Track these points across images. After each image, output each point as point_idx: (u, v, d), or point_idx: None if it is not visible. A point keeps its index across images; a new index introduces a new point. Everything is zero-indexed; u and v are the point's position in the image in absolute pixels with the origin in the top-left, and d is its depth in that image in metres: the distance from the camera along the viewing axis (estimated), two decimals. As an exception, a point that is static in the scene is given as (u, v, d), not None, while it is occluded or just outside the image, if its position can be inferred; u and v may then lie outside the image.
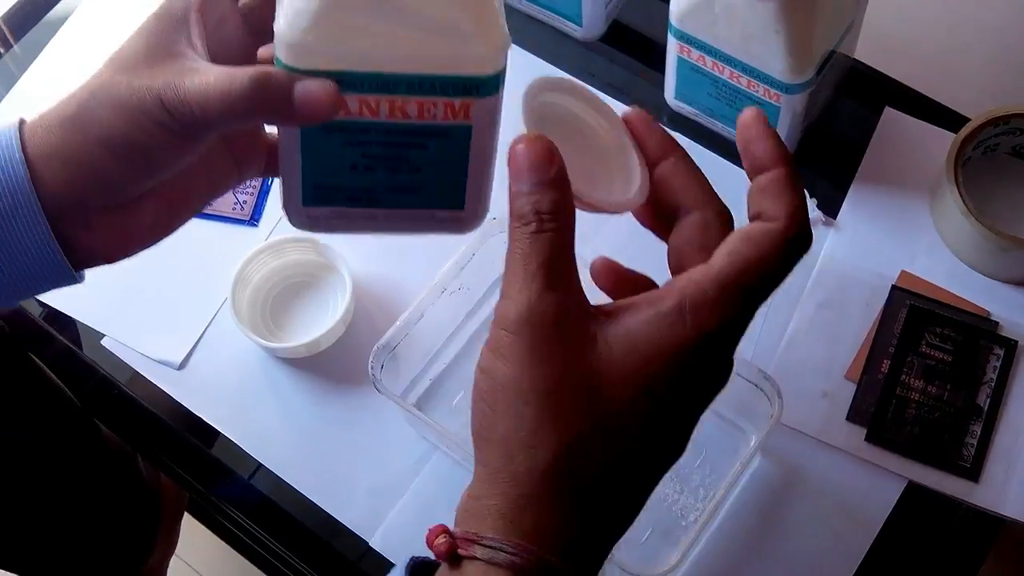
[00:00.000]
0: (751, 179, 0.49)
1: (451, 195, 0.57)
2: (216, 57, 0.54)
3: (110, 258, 0.56)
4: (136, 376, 0.84)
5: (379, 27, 0.49)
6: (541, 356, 0.45)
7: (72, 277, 0.55)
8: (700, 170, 0.51)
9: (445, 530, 0.46)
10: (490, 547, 0.44)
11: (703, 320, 0.45)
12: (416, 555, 0.49)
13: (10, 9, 1.01)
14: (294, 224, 0.58)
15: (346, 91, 0.50)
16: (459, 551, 0.45)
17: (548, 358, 0.45)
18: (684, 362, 0.46)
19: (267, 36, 0.52)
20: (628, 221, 0.54)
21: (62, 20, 0.99)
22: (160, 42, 0.53)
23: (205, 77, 0.51)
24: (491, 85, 0.52)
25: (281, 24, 0.49)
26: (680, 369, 0.46)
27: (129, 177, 0.53)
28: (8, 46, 0.99)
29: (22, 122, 0.53)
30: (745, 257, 0.46)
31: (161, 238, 0.58)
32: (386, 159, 0.55)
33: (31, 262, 0.53)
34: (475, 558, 0.45)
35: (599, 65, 0.95)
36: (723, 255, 0.46)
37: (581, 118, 0.54)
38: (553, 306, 0.45)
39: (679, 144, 0.52)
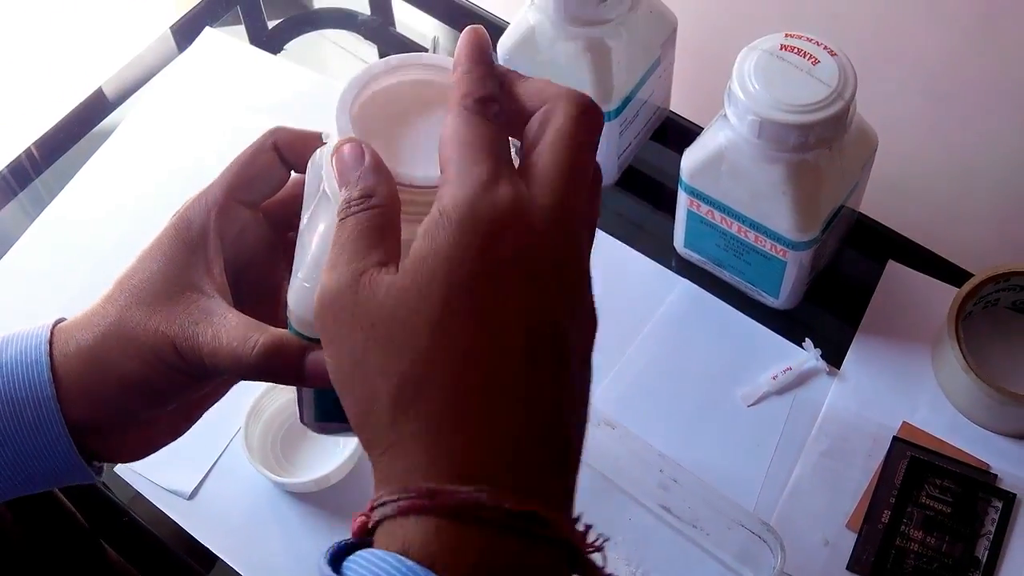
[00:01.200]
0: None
1: None
2: (237, 260, 0.58)
3: (130, 459, 0.61)
4: (146, 503, 0.87)
5: None
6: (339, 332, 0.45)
7: (92, 477, 0.59)
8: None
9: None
10: (382, 504, 0.42)
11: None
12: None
13: (43, 135, 1.07)
14: (312, 430, 0.60)
15: None
16: (367, 522, 0.43)
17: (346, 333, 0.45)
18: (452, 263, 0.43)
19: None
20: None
21: (95, 147, 1.05)
22: (176, 272, 0.56)
23: (218, 332, 0.53)
24: None
25: (291, 297, 0.53)
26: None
27: (145, 408, 0.58)
28: (39, 171, 1.05)
29: (52, 336, 0.57)
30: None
31: (180, 435, 0.63)
32: None
33: (53, 467, 0.57)
34: (378, 522, 0.43)
35: (609, 211, 1.00)
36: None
37: (419, 92, 0.53)
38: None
39: (510, 72, 0.51)
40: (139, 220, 1.01)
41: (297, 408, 0.59)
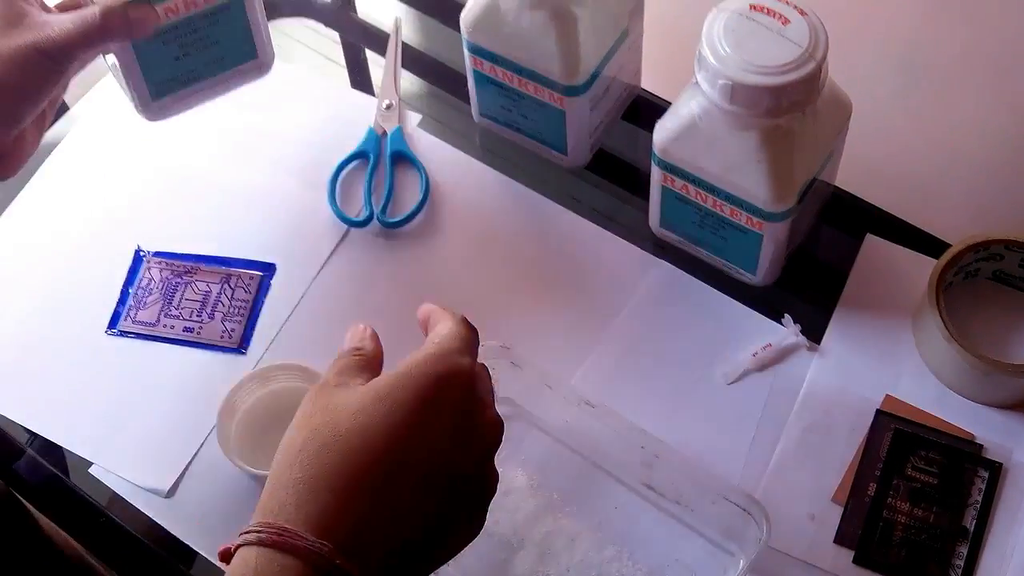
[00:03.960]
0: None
1: (247, 50, 0.91)
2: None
3: (13, 171, 0.83)
4: (123, 503, 0.89)
5: None
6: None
7: None
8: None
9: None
10: (246, 532, 0.56)
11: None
12: None
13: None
14: (150, 119, 0.90)
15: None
16: (231, 547, 0.57)
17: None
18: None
19: None
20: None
21: (46, 153, 1.07)
22: (10, 8, 0.77)
23: (63, 23, 0.77)
24: None
25: None
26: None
27: (28, 108, 0.78)
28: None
29: None
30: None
31: (40, 140, 0.85)
32: (194, 43, 0.87)
33: None
34: (239, 547, 0.57)
35: (584, 192, 1.02)
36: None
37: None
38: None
39: None
40: (98, 219, 1.03)
41: (136, 110, 0.90)
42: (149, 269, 0.99)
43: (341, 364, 0.65)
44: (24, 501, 0.91)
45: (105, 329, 0.97)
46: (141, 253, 1.00)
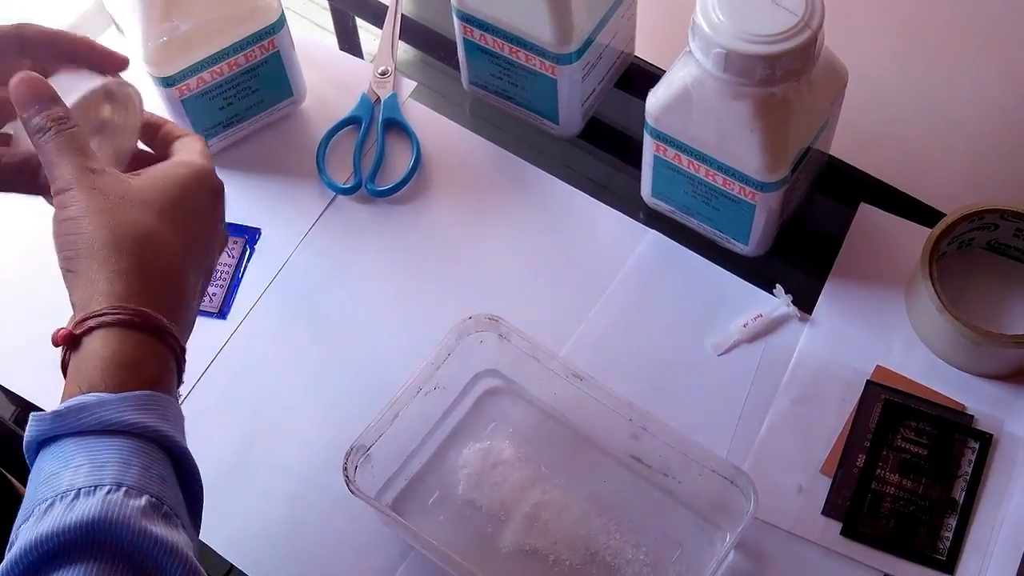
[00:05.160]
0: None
1: (284, 91, 1.03)
2: None
3: None
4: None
5: None
6: (100, 206, 0.67)
7: None
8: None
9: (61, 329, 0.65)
10: (99, 315, 0.64)
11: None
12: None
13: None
14: None
15: None
16: (75, 332, 0.64)
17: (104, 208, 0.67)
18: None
19: None
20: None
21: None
22: None
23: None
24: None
25: None
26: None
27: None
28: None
29: None
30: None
31: None
32: (236, 94, 1.00)
33: None
34: (91, 328, 0.64)
35: (577, 161, 1.03)
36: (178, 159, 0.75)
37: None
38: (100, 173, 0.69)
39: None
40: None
41: None
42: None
43: (67, 141, 0.70)
44: (6, 473, 0.93)
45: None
46: None
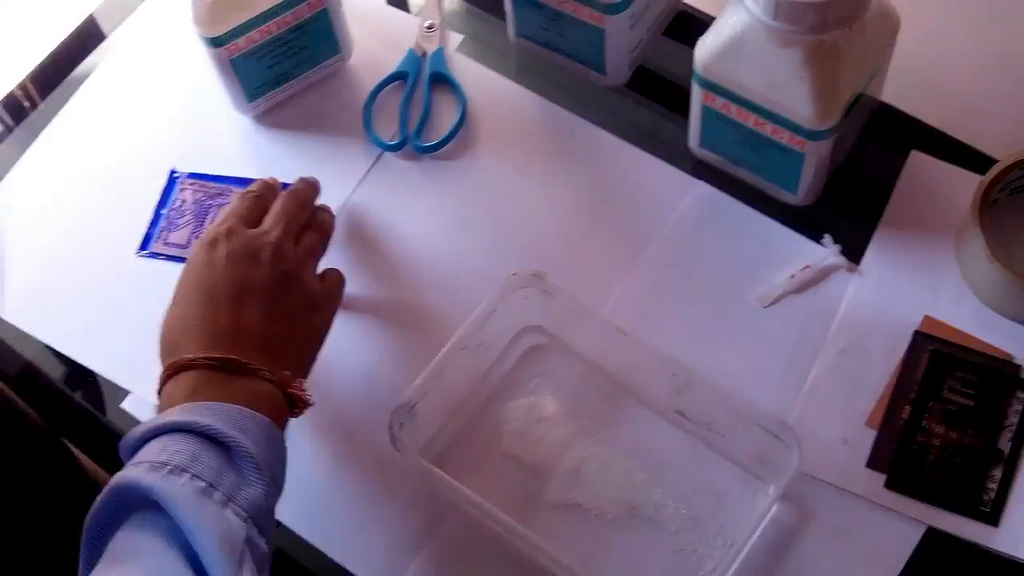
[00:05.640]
0: None
1: (331, 49, 1.05)
2: None
3: None
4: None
5: None
6: None
7: None
8: None
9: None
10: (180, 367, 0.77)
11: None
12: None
13: (36, 68, 1.12)
14: (247, 115, 1.05)
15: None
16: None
17: None
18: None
19: None
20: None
21: (84, 78, 1.11)
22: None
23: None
24: None
25: None
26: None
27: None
28: (34, 103, 1.11)
29: None
30: None
31: None
32: (284, 53, 1.01)
33: None
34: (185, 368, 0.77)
35: (623, 111, 1.03)
36: None
37: None
38: None
39: None
40: (135, 142, 1.07)
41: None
42: (182, 191, 1.02)
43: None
44: (66, 441, 0.96)
45: (136, 251, 1.00)
46: (176, 175, 1.03)
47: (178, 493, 0.67)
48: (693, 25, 1.02)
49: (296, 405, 0.80)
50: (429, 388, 0.85)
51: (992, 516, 0.83)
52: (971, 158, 0.96)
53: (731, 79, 0.88)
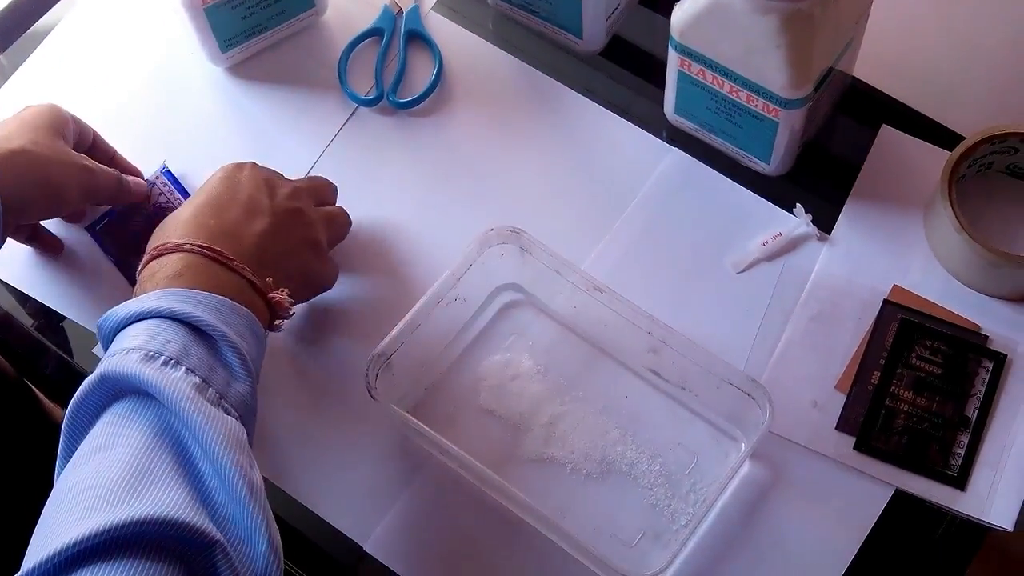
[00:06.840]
0: None
1: (306, 1, 1.05)
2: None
3: None
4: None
5: None
6: None
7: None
8: None
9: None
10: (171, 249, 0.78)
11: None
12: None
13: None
14: (221, 66, 1.06)
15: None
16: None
17: None
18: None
19: None
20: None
21: (46, 32, 1.10)
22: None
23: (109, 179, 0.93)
24: None
25: None
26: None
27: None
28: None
29: None
30: None
31: None
32: (258, 3, 1.01)
33: None
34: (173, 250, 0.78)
35: (599, 80, 1.04)
36: None
37: None
38: None
39: None
40: (107, 97, 1.06)
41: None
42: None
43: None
44: (34, 388, 0.95)
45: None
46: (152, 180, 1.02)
47: (176, 389, 0.67)
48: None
49: (277, 315, 0.81)
50: (405, 340, 0.86)
51: (959, 480, 0.85)
52: (940, 135, 0.99)
53: (707, 45, 0.90)
